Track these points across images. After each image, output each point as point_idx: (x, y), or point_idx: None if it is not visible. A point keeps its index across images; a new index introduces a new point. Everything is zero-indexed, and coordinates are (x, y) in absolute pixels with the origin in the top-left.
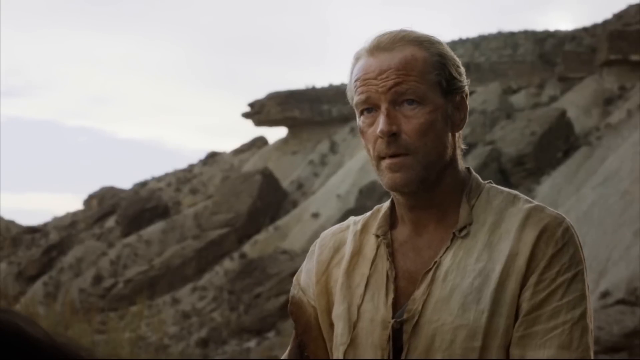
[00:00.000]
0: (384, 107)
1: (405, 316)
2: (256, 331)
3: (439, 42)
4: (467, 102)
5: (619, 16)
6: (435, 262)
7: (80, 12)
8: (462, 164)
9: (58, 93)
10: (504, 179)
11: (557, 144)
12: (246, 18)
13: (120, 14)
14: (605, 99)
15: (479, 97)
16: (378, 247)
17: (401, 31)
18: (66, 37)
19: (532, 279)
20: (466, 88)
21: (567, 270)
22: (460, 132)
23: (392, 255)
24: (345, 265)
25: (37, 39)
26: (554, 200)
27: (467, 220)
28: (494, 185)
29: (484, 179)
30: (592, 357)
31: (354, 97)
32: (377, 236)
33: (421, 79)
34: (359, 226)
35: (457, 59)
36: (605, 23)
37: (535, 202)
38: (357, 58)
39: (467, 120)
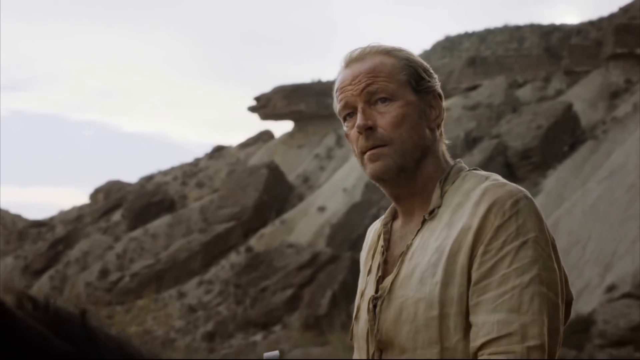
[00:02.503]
0: (359, 107)
1: (379, 293)
2: (262, 325)
3: (406, 51)
4: (442, 103)
5: (625, 10)
6: (408, 246)
7: (85, 5)
8: (446, 156)
9: (63, 87)
10: (510, 172)
11: (563, 137)
12: (252, 12)
13: (126, 7)
14: (611, 92)
15: (485, 90)
16: (379, 237)
17: (371, 44)
18: (71, 31)
19: (480, 250)
20: (437, 88)
21: (515, 239)
22: (442, 128)
23: (388, 243)
24: (365, 254)
25: (41, 32)
26: (560, 194)
27: (436, 203)
28: (476, 171)
29: (489, 172)
30: (546, 321)
31: (337, 107)
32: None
33: (390, 79)
34: (382, 218)
35: (427, 64)
36: (612, 17)
37: (503, 181)
38: (337, 75)
39: (443, 118)
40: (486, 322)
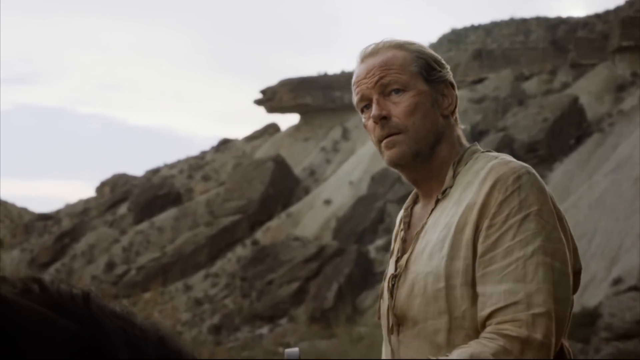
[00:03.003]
0: (374, 98)
1: (397, 272)
2: (268, 317)
3: (418, 44)
4: (455, 91)
5: (631, 2)
6: (422, 225)
7: None
8: (462, 140)
9: (68, 80)
10: None
11: (569, 130)
12: (258, 4)
13: (131, 1)
14: (618, 85)
15: (491, 83)
16: (401, 221)
17: (384, 39)
18: (76, 25)
19: (485, 224)
20: (449, 77)
21: (518, 213)
22: (456, 114)
23: (408, 225)
24: (392, 240)
25: (47, 26)
26: (567, 186)
27: (448, 184)
28: (490, 152)
29: (500, 153)
30: (551, 289)
31: (355, 100)
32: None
33: (402, 70)
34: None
35: (438, 56)
36: (618, 9)
37: (509, 159)
38: (354, 70)
39: (456, 105)
40: (493, 292)
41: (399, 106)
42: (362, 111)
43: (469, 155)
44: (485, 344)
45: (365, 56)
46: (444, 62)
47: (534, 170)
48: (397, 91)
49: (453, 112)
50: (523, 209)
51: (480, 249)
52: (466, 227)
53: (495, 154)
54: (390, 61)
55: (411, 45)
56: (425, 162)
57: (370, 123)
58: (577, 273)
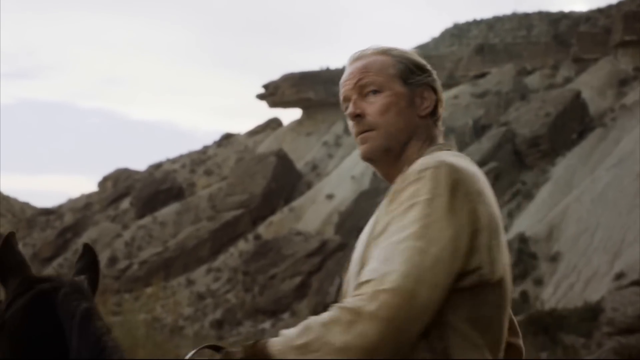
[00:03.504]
0: (352, 98)
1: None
2: (271, 312)
3: (401, 50)
4: (436, 95)
5: None
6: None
7: None
8: (437, 140)
9: (70, 75)
10: (519, 160)
11: (572, 125)
12: None
13: None
14: (620, 80)
15: (493, 78)
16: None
17: (372, 46)
18: (78, 19)
19: (382, 212)
20: (430, 82)
21: (407, 201)
22: (438, 116)
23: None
24: None
25: (49, 21)
26: (569, 181)
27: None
28: (441, 151)
29: (498, 160)
30: (412, 271)
31: (340, 101)
32: None
33: (380, 73)
34: None
35: (422, 62)
36: (620, 4)
37: (439, 155)
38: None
39: (436, 107)
40: (364, 272)
41: (373, 105)
42: (346, 110)
43: (428, 153)
44: (323, 315)
45: (351, 61)
46: (428, 68)
47: (452, 167)
48: (375, 92)
49: (434, 114)
50: (412, 198)
51: (370, 238)
52: (379, 215)
53: (444, 152)
54: (370, 65)
55: (394, 51)
56: (396, 158)
57: (349, 121)
58: (497, 283)
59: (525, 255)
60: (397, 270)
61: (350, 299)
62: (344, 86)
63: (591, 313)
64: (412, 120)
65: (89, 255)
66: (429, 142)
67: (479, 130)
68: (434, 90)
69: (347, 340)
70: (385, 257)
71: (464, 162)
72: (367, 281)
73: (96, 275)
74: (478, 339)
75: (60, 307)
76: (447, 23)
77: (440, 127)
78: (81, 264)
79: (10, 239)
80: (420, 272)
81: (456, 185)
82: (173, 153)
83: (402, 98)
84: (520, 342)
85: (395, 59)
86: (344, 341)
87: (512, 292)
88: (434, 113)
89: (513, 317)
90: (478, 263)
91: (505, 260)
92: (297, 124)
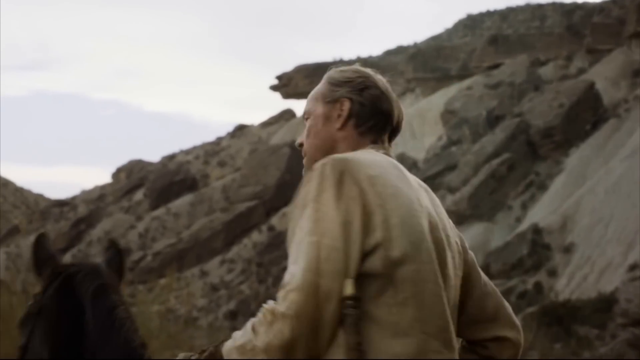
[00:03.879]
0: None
1: None
2: None
3: (333, 71)
4: (348, 103)
5: None
6: None
7: None
8: (361, 147)
9: (84, 67)
10: (532, 151)
11: (586, 116)
12: None
13: None
14: (634, 70)
15: (507, 69)
16: None
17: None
18: (92, 11)
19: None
20: (344, 92)
21: (300, 204)
22: (352, 120)
23: None
24: None
25: (63, 12)
26: (583, 172)
27: None
28: (367, 150)
29: (512, 151)
30: (312, 266)
31: None
32: None
33: (310, 101)
34: None
35: (343, 74)
36: None
37: (339, 154)
38: None
39: (349, 114)
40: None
41: (304, 134)
42: None
43: None
44: (257, 314)
45: None
46: (350, 77)
47: (338, 160)
48: (307, 120)
49: (361, 121)
50: (305, 198)
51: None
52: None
53: (356, 151)
54: (310, 96)
55: (328, 74)
56: None
57: None
58: (411, 259)
59: (539, 246)
60: (301, 268)
61: (271, 301)
62: None
63: (605, 304)
64: (330, 136)
65: (114, 248)
66: (353, 150)
67: (493, 121)
68: (349, 99)
69: (269, 340)
70: (294, 258)
71: (363, 154)
72: (283, 285)
73: (121, 265)
74: (405, 323)
75: (78, 287)
76: (460, 14)
77: (379, 130)
78: (106, 255)
79: (40, 238)
80: (319, 265)
81: (342, 175)
82: (187, 144)
83: (319, 118)
84: (517, 335)
85: (324, 82)
86: (267, 342)
87: (457, 268)
88: (361, 120)
89: (505, 307)
90: (375, 241)
91: (420, 236)
92: None
